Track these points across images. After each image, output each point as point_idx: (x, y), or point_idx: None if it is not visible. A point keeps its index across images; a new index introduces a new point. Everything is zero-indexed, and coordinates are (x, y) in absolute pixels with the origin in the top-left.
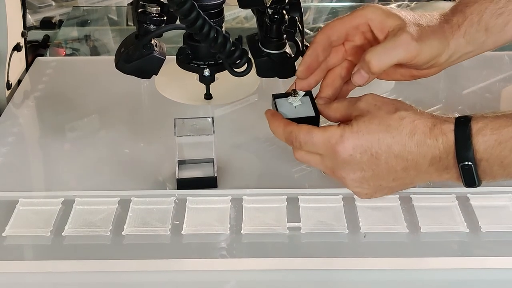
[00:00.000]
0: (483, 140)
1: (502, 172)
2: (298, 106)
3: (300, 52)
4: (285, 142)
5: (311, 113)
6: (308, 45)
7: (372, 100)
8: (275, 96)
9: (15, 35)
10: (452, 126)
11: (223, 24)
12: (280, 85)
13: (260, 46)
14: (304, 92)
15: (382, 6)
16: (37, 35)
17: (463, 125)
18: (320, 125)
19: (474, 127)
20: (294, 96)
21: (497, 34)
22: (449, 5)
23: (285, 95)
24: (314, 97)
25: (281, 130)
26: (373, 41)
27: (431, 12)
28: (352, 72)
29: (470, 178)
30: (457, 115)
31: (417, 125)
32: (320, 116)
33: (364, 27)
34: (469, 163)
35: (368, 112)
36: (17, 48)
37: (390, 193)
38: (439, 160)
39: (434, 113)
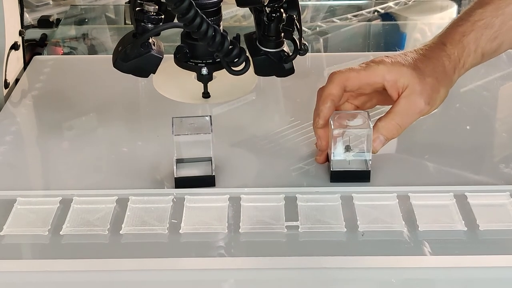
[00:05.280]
0: None
1: None
2: (351, 161)
3: (298, 50)
4: None
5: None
6: (304, 42)
7: None
8: None
9: (12, 34)
10: None
11: (221, 22)
12: (278, 83)
13: (258, 44)
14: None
15: (393, 61)
16: (34, 34)
17: None
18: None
19: None
20: (348, 151)
21: (491, 55)
22: (447, 3)
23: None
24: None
25: None
26: (382, 92)
27: (432, 44)
28: (372, 140)
29: None
30: None
31: None
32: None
33: (378, 85)
34: None
35: None
36: (14, 47)
37: None
38: None
39: None
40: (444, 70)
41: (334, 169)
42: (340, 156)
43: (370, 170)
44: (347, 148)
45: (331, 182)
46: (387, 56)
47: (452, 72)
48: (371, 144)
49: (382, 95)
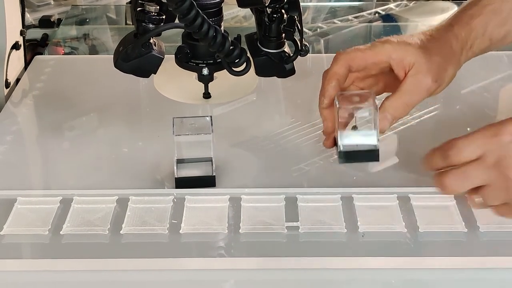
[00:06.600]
0: None
1: None
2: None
3: (299, 51)
4: (439, 163)
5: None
6: (305, 43)
7: None
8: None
9: (13, 34)
10: None
11: (222, 23)
12: (279, 84)
13: (259, 45)
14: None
15: (399, 40)
16: (35, 33)
17: None
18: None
19: None
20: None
21: (500, 41)
22: (448, 5)
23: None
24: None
25: (442, 148)
26: (389, 74)
27: (440, 26)
28: (379, 119)
29: None
30: None
31: None
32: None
33: (384, 64)
34: None
35: None
36: (15, 46)
37: None
38: None
39: None
40: (451, 50)
41: (343, 150)
42: (347, 136)
43: (378, 149)
44: (354, 128)
45: (340, 163)
46: (393, 36)
47: (460, 52)
48: (378, 122)
49: (389, 77)
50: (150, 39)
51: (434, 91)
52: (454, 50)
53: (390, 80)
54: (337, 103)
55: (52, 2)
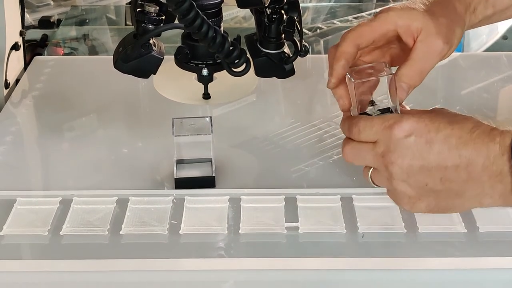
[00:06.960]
0: None
1: None
2: (377, 115)
3: (298, 52)
4: (346, 133)
5: None
6: (304, 44)
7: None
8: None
9: (13, 34)
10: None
11: (222, 23)
12: (279, 85)
13: (259, 46)
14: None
15: (403, 6)
16: (35, 34)
17: None
18: None
19: None
20: (372, 106)
21: (503, 12)
22: None
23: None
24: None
25: (347, 121)
26: (395, 45)
27: None
28: (396, 89)
29: None
30: None
31: (480, 126)
32: None
33: (391, 33)
34: None
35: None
36: (15, 47)
37: (433, 205)
38: (492, 163)
39: None
40: (455, 11)
41: None
42: (366, 112)
43: None
44: (372, 103)
45: None
46: (396, 4)
47: (464, 12)
48: (395, 93)
49: (395, 49)
50: (149, 40)
51: (446, 54)
52: (458, 11)
53: (396, 52)
54: (351, 78)
55: (52, 3)
